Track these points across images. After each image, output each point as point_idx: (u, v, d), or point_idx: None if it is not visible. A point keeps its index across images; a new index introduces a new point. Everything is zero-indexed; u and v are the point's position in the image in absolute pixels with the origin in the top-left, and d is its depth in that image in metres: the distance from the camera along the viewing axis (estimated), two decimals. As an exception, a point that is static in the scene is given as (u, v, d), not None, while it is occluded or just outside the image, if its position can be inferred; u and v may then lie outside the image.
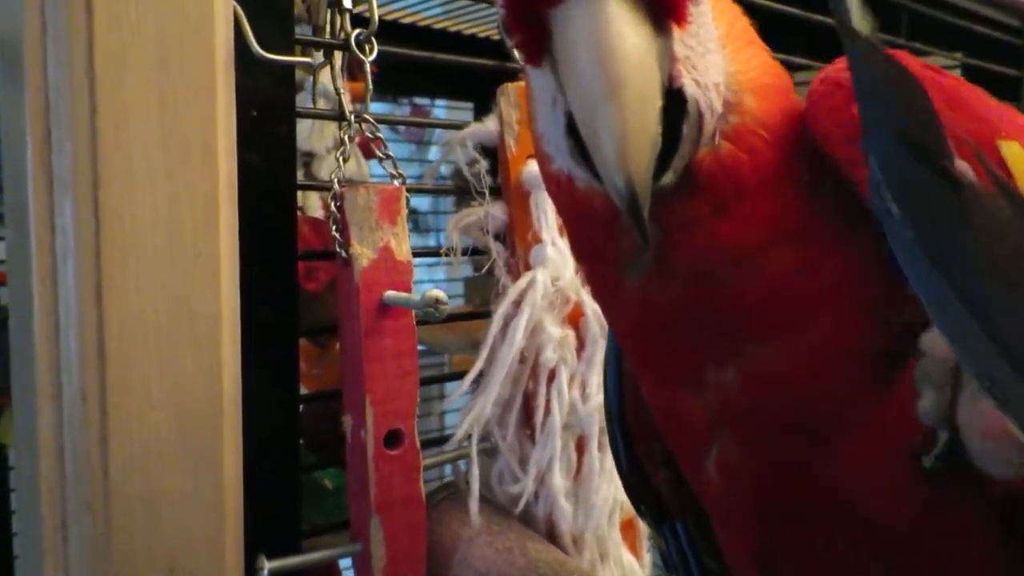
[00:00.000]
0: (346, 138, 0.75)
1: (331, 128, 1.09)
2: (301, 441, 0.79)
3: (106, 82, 0.58)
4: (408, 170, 1.22)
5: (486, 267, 0.85)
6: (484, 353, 0.81)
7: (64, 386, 0.60)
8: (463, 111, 1.75)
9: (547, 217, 0.83)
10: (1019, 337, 0.37)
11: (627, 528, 0.90)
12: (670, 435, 0.56)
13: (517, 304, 0.82)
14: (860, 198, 0.43)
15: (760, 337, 0.47)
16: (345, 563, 0.85)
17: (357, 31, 0.75)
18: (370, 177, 1.17)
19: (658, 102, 0.41)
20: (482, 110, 1.03)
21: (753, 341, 0.47)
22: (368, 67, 0.77)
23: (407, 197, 0.76)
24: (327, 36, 0.78)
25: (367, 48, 0.76)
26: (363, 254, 0.72)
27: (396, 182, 0.77)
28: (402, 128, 2.13)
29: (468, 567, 0.79)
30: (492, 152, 0.86)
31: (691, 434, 0.52)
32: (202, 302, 0.62)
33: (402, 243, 0.74)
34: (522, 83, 0.82)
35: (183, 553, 0.62)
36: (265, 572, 0.70)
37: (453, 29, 1.48)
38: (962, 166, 0.40)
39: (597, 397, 0.83)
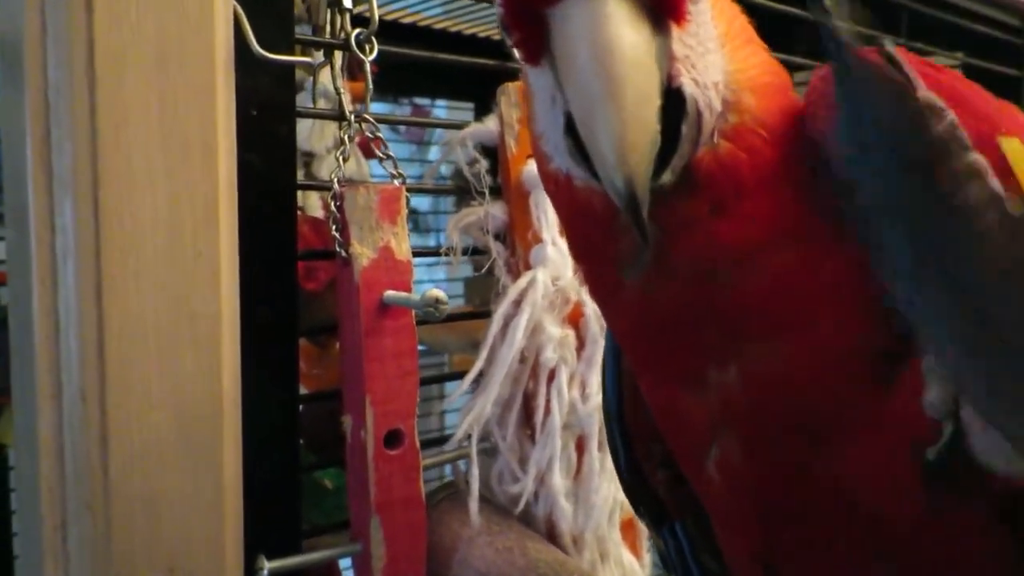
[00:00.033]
0: (346, 138, 0.75)
1: (331, 128, 1.09)
2: (301, 441, 0.79)
3: (106, 82, 0.58)
4: (408, 170, 1.23)
5: (486, 267, 0.85)
6: (484, 353, 0.81)
7: (64, 386, 0.60)
8: (463, 111, 1.75)
9: (547, 217, 0.83)
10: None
11: (627, 528, 0.90)
12: (670, 435, 0.56)
13: (517, 304, 0.82)
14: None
15: (760, 337, 0.47)
16: (345, 563, 0.85)
17: (357, 31, 0.75)
18: (370, 177, 1.17)
19: (657, 101, 0.41)
20: (482, 110, 1.03)
21: (753, 341, 0.47)
22: (368, 67, 0.77)
23: (407, 197, 0.76)
24: (327, 36, 0.78)
25: (367, 48, 0.76)
26: (363, 254, 0.72)
27: (396, 182, 0.77)
28: (402, 128, 2.13)
29: (468, 567, 0.79)
30: (492, 152, 0.86)
31: (691, 434, 0.52)
32: (202, 302, 0.62)
33: (402, 243, 0.74)
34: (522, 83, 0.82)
35: (183, 553, 0.62)
36: (265, 572, 0.70)
37: (453, 29, 1.48)
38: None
39: (597, 397, 0.83)
